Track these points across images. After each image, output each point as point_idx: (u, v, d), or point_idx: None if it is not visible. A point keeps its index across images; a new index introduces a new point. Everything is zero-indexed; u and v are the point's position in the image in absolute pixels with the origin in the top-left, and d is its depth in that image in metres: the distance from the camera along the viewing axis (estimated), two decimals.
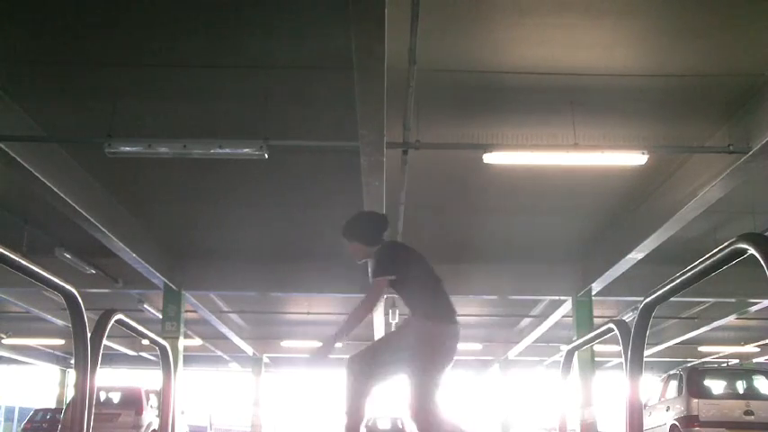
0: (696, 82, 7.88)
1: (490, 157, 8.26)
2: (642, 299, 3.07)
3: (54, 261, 12.35)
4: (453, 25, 6.90)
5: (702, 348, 23.27)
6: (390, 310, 16.72)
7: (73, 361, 3.16)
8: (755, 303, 15.93)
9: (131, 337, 21.01)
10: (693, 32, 7.06)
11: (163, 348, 4.41)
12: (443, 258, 14.47)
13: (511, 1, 6.59)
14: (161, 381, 4.57)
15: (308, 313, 20.07)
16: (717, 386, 11.88)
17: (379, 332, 18.95)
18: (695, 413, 10.77)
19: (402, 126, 7.79)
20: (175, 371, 4.68)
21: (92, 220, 10.57)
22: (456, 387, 33.35)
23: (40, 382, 31.49)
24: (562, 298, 15.57)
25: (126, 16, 6.88)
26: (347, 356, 4.01)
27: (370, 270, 4.30)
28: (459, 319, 4.11)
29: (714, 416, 10.71)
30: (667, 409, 11.68)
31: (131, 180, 10.85)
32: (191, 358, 25.04)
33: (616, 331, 3.52)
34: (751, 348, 22.65)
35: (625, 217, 11.99)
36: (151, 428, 13.97)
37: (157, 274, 13.75)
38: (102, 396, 14.57)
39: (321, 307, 19.78)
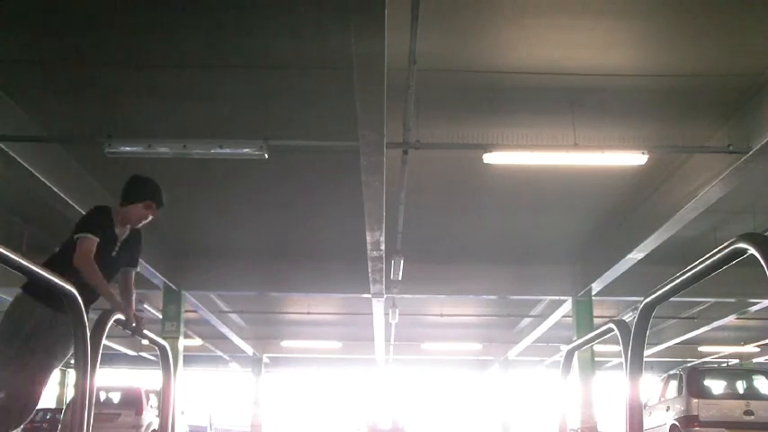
0: (696, 82, 7.88)
1: (490, 157, 8.27)
2: (642, 299, 3.07)
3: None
4: (453, 25, 6.91)
5: (702, 348, 23.26)
6: (391, 310, 16.72)
7: (73, 361, 3.16)
8: (755, 303, 15.93)
9: (131, 337, 20.97)
10: (693, 33, 7.07)
11: (163, 348, 4.41)
12: (443, 258, 14.52)
13: (510, 1, 6.59)
14: (161, 381, 4.57)
15: (308, 313, 20.07)
16: (717, 386, 11.87)
17: (379, 332, 18.95)
18: (695, 413, 10.76)
19: (402, 126, 7.79)
20: (175, 371, 4.69)
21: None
22: (456, 387, 33.38)
23: None
24: (562, 298, 15.58)
25: (126, 16, 6.88)
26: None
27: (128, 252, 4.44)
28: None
29: (714, 416, 10.70)
30: (667, 409, 11.67)
31: None
32: (191, 358, 25.04)
33: (616, 331, 3.51)
34: (751, 348, 22.64)
35: (625, 217, 11.98)
36: (151, 428, 13.96)
37: (157, 274, 13.74)
38: (102, 396, 14.56)
39: (321, 307, 19.78)
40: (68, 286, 3.00)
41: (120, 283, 4.39)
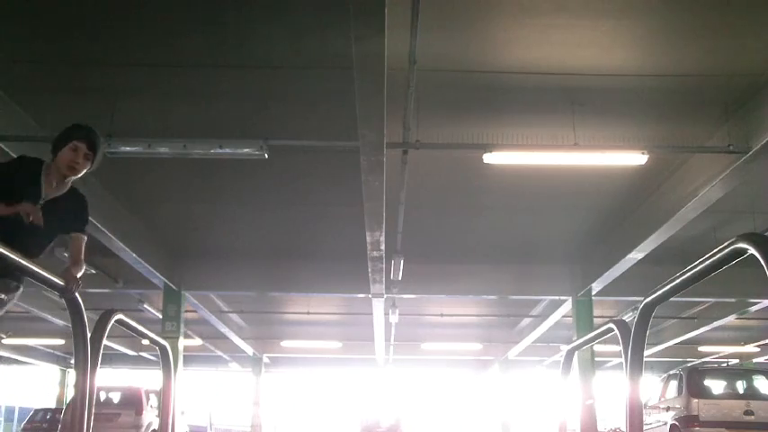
0: (696, 82, 7.88)
1: (490, 157, 8.27)
2: (642, 299, 3.07)
3: (54, 261, 12.32)
4: (453, 25, 6.91)
5: (702, 348, 23.26)
6: (391, 310, 16.71)
7: (73, 361, 3.16)
8: (755, 303, 15.93)
9: (131, 337, 21.01)
10: (693, 33, 7.07)
11: (163, 348, 4.41)
12: (444, 258, 14.51)
13: (511, 1, 6.59)
14: (161, 381, 4.57)
15: (308, 313, 20.06)
16: (717, 386, 11.87)
17: (379, 332, 18.95)
18: (695, 413, 10.76)
19: (402, 126, 7.79)
20: (175, 371, 4.68)
21: (92, 220, 10.54)
22: (456, 387, 33.39)
23: (40, 382, 31.48)
24: (562, 298, 15.57)
25: (126, 16, 6.89)
26: None
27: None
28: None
29: (714, 416, 10.71)
30: (667, 409, 11.68)
31: (131, 180, 10.85)
32: (191, 358, 25.02)
33: (616, 331, 3.52)
34: (751, 348, 22.64)
35: (625, 217, 11.98)
36: (151, 428, 13.97)
37: (157, 274, 13.75)
38: (102, 396, 14.57)
39: (321, 307, 19.77)
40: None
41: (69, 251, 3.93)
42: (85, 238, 4.01)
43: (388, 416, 22.46)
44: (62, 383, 28.79)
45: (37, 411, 19.61)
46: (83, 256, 3.93)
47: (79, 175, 3.93)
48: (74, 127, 3.95)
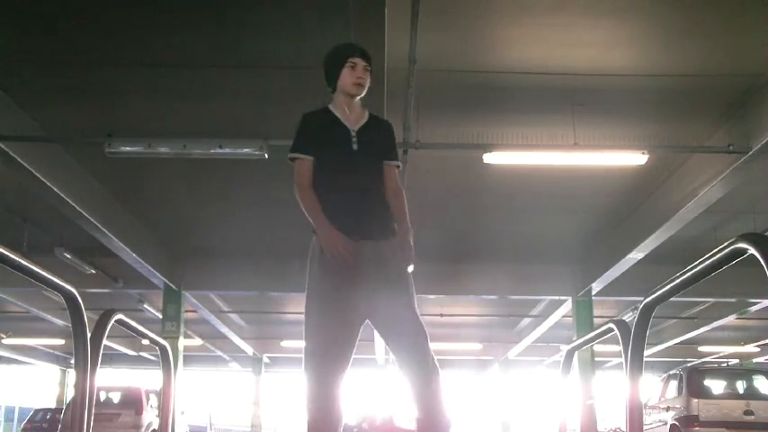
0: (696, 82, 7.88)
1: (490, 157, 8.28)
2: (642, 299, 3.07)
3: (54, 261, 12.34)
4: (453, 25, 6.91)
5: (702, 348, 23.27)
6: None
7: (73, 361, 3.16)
8: (755, 303, 15.93)
9: (131, 337, 21.01)
10: (693, 32, 7.07)
11: (163, 348, 4.41)
12: (443, 258, 14.51)
13: (511, 1, 6.59)
14: (161, 381, 4.57)
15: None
16: (717, 386, 11.87)
17: None
18: (695, 413, 10.76)
19: (402, 126, 7.79)
20: (175, 371, 4.68)
21: (92, 220, 10.57)
22: (456, 387, 33.37)
23: (40, 382, 31.49)
24: (562, 298, 15.57)
25: (126, 16, 6.88)
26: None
27: None
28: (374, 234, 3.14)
29: (714, 416, 10.70)
30: (667, 409, 11.67)
31: (131, 180, 10.84)
32: (191, 358, 25.03)
33: (616, 331, 3.51)
34: (751, 348, 22.65)
35: (625, 217, 11.99)
36: (151, 428, 13.96)
37: (157, 274, 13.75)
38: (102, 396, 14.56)
39: None
40: (68, 286, 3.00)
41: (387, 187, 3.41)
42: (400, 166, 3.44)
43: (365, 418, 22.10)
44: (62, 383, 28.79)
45: (37, 411, 19.62)
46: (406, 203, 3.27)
47: (365, 91, 3.64)
48: (341, 47, 3.65)
